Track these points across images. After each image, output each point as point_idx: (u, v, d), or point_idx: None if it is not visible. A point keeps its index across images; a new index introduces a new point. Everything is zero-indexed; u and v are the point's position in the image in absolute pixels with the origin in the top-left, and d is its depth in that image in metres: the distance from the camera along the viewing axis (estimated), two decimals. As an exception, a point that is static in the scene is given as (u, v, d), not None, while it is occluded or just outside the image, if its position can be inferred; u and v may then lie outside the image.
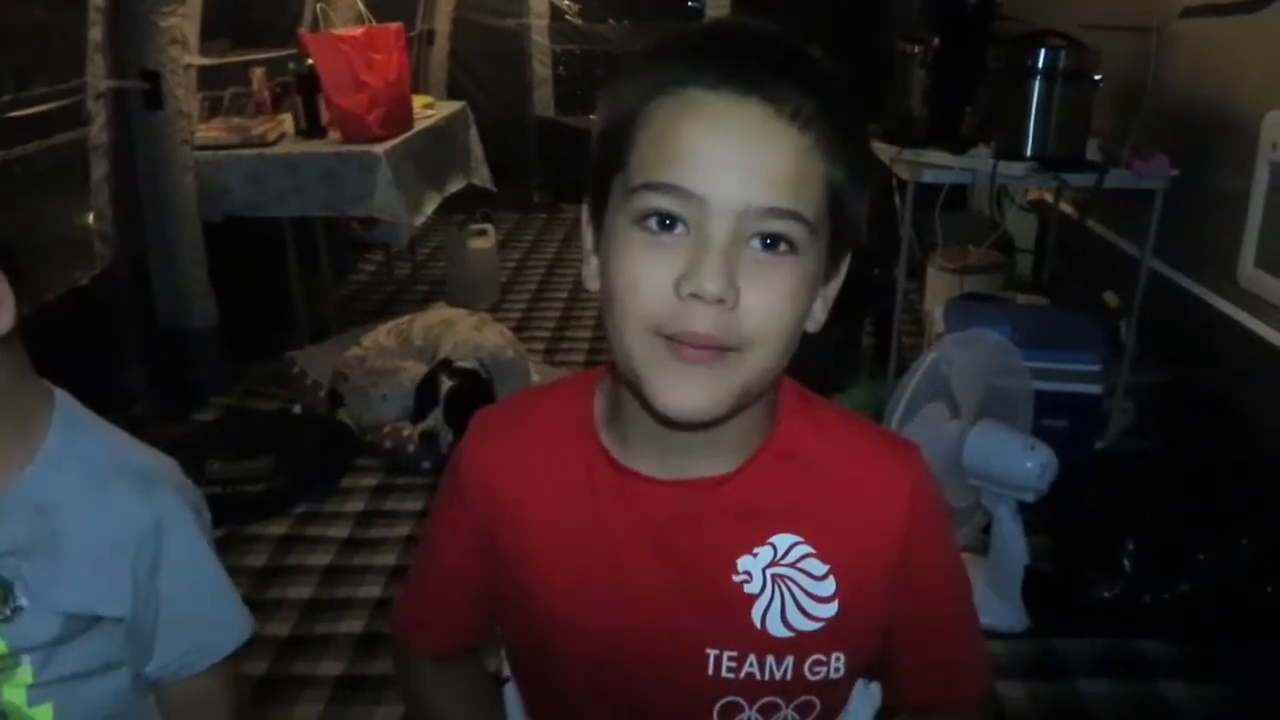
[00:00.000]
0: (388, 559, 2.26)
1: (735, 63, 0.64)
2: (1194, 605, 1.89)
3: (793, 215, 0.64)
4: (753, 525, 0.74)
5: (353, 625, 2.03)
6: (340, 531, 2.38)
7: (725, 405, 0.66)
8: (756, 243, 0.64)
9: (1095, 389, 2.40)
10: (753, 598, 0.74)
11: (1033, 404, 2.07)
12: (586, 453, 0.76)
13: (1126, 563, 1.94)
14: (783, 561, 0.74)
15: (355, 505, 2.50)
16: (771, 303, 0.64)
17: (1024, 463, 1.88)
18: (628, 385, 0.70)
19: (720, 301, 0.62)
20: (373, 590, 2.14)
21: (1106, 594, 1.95)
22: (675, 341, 0.64)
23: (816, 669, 0.75)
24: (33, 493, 0.84)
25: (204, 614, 0.91)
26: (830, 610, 0.74)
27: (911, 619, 0.79)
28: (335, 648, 1.96)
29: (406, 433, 2.67)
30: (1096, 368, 2.39)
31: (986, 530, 2.03)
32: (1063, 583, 2.02)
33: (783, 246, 0.64)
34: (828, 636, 0.75)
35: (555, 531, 0.76)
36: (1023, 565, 1.97)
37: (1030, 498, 1.92)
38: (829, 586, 0.74)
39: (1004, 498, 1.95)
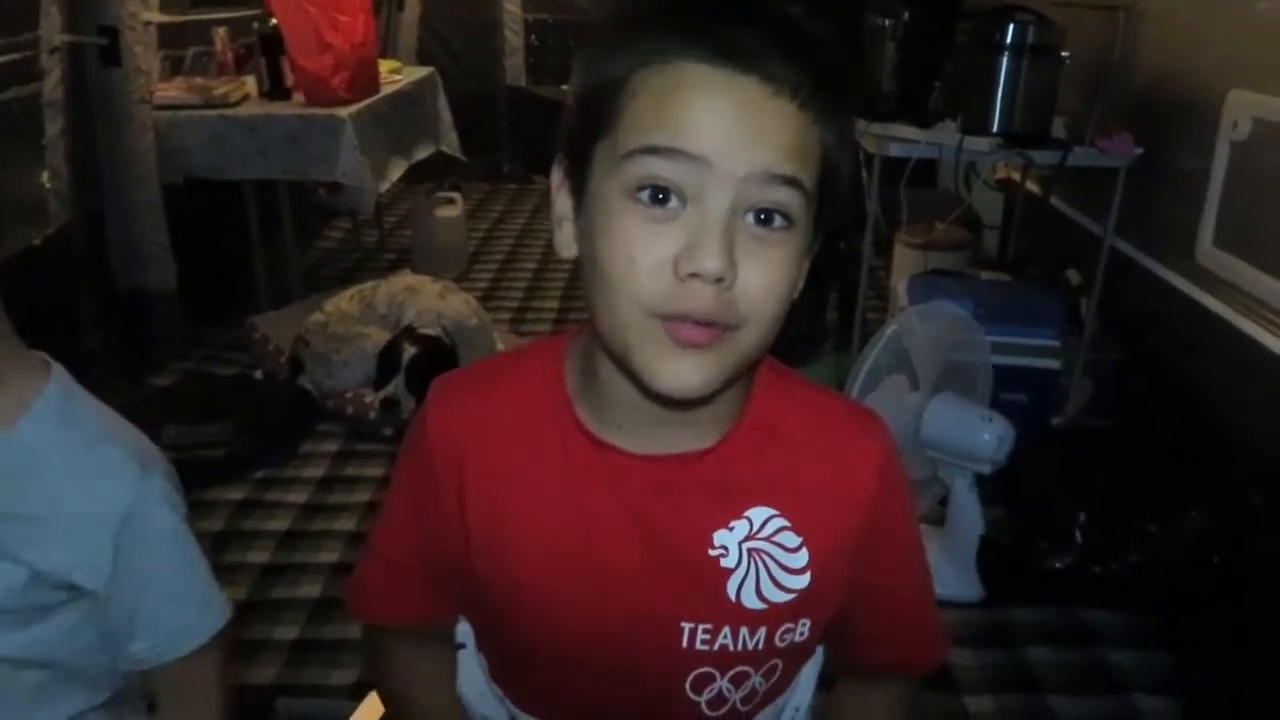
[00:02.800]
0: (347, 524, 2.25)
1: (731, 36, 0.61)
2: (1142, 576, 1.92)
3: (795, 182, 0.62)
4: (729, 499, 0.74)
5: (310, 590, 2.02)
6: (299, 497, 2.36)
7: (718, 383, 0.66)
8: (751, 218, 0.63)
9: (1054, 364, 2.43)
10: (729, 572, 0.74)
11: (992, 378, 2.09)
12: (560, 425, 0.75)
13: (1078, 534, 1.97)
14: (759, 535, 0.74)
15: (315, 471, 2.49)
16: (767, 282, 0.63)
17: (981, 435, 1.90)
18: (612, 359, 0.69)
19: (719, 280, 0.61)
20: (331, 555, 2.13)
21: (1058, 564, 1.98)
22: (672, 323, 0.63)
23: (785, 636, 0.76)
24: (17, 451, 0.83)
25: (187, 594, 0.91)
26: (803, 581, 0.75)
27: (876, 585, 0.80)
28: (292, 612, 1.95)
29: (368, 399, 2.65)
30: (1055, 343, 2.41)
31: (943, 502, 2.05)
32: (1016, 553, 2.05)
33: (778, 221, 0.63)
34: (798, 606, 0.75)
35: (529, 504, 0.75)
36: (978, 536, 1.99)
37: (987, 470, 1.94)
38: (802, 558, 0.75)
39: (961, 470, 1.97)
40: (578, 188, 0.68)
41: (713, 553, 0.73)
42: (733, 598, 0.74)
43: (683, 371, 0.64)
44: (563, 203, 0.70)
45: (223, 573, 2.01)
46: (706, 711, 0.78)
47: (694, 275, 0.61)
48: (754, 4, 0.65)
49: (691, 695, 0.77)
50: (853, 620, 0.81)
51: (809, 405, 0.79)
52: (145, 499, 0.87)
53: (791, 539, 0.74)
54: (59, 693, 0.89)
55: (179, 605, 0.90)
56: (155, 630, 0.88)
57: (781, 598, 0.75)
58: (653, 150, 0.61)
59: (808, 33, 0.65)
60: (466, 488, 0.76)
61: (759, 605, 0.74)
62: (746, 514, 0.74)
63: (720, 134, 0.61)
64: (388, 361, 2.64)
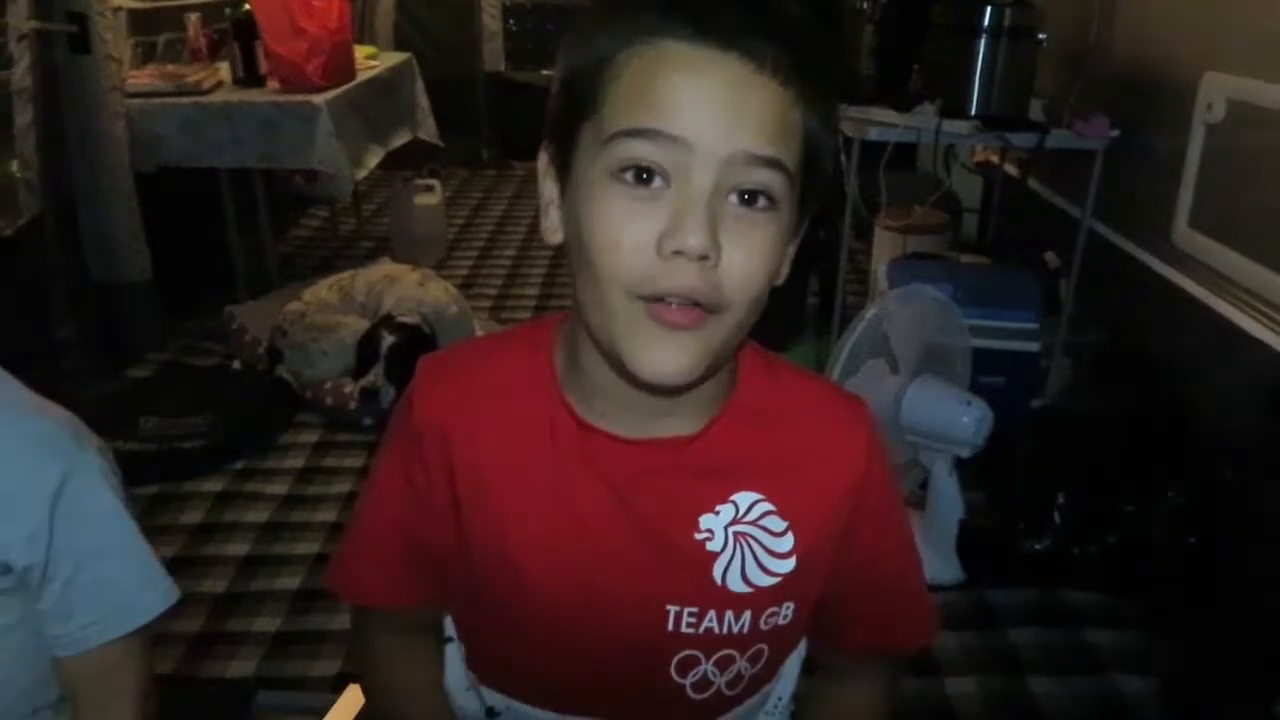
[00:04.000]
0: (327, 515, 2.24)
1: (712, 15, 0.62)
2: (1120, 556, 1.94)
3: (777, 164, 0.63)
4: (715, 483, 0.74)
5: (289, 581, 2.01)
6: (279, 488, 2.35)
7: (702, 369, 0.66)
8: (734, 198, 0.63)
9: (1032, 346, 2.44)
10: (715, 555, 0.74)
11: (971, 361, 2.10)
12: (548, 408, 0.75)
13: (1056, 515, 1.98)
14: (744, 519, 0.74)
15: (295, 462, 2.47)
16: (751, 262, 0.64)
17: (960, 418, 1.91)
18: (597, 345, 0.69)
19: (703, 259, 0.61)
20: (311, 546, 2.12)
21: (1037, 546, 1.99)
22: (656, 305, 0.63)
23: (769, 620, 0.77)
24: None
25: (126, 574, 0.89)
26: (788, 566, 0.75)
27: (862, 567, 0.80)
28: (272, 604, 1.94)
29: (348, 389, 2.63)
30: (1033, 325, 2.43)
31: (924, 485, 2.06)
32: (995, 536, 2.06)
33: (761, 201, 0.63)
34: (783, 589, 0.76)
35: (516, 487, 0.75)
36: (958, 519, 2.00)
37: (966, 453, 1.94)
38: (787, 542, 0.75)
39: (941, 453, 1.98)
40: (563, 171, 0.68)
41: (699, 536, 0.74)
42: (718, 581, 0.74)
43: (667, 357, 0.64)
44: (549, 187, 0.70)
45: (202, 565, 2.03)
46: (691, 695, 0.78)
47: (678, 253, 0.61)
48: None
49: (676, 678, 0.77)
50: (841, 601, 0.82)
51: (794, 390, 0.79)
52: (79, 471, 0.85)
53: (777, 523, 0.75)
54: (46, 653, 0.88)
55: (118, 583, 0.88)
56: (92, 608, 0.86)
57: (767, 581, 0.75)
58: (635, 133, 0.62)
59: (788, 14, 0.65)
60: (455, 467, 0.76)
61: (744, 589, 0.75)
62: (732, 498, 0.74)
63: (702, 115, 0.61)
64: (367, 350, 2.63)
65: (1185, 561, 1.86)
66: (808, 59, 0.64)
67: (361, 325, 2.73)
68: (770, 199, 0.64)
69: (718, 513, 0.74)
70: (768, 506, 0.75)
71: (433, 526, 0.78)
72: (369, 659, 0.90)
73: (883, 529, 0.81)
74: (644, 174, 0.62)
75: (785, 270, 0.70)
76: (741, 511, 0.74)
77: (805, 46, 0.64)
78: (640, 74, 0.62)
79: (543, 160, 0.70)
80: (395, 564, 0.83)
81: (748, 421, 0.75)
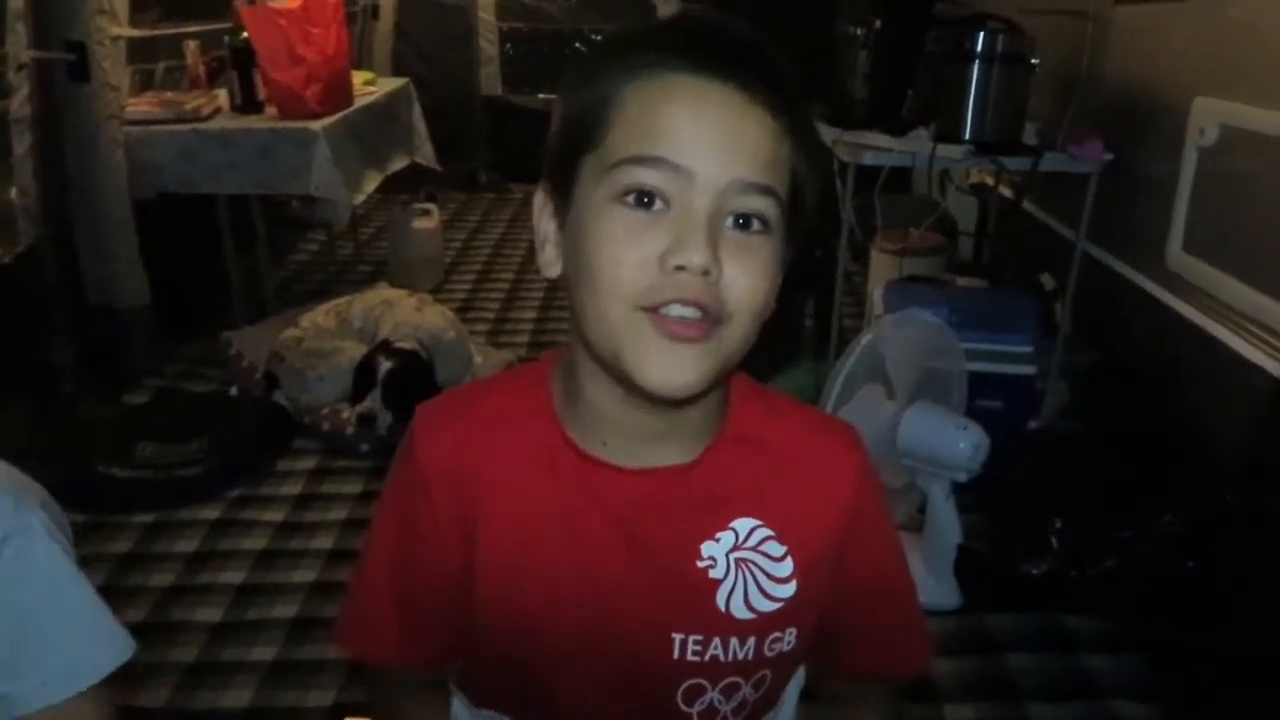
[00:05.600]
0: (324, 543, 2.23)
1: (712, 49, 0.66)
2: (1118, 581, 1.93)
3: (770, 191, 0.66)
4: (715, 511, 0.75)
5: (286, 610, 1.99)
6: (275, 515, 2.34)
7: (707, 381, 0.67)
8: (730, 222, 0.66)
9: (1029, 370, 2.44)
10: (717, 582, 0.75)
11: (967, 385, 2.10)
12: (548, 441, 0.75)
13: (1054, 540, 1.98)
14: (745, 545, 0.75)
15: (291, 489, 2.46)
16: (751, 277, 0.66)
17: (957, 443, 1.91)
18: (601, 366, 0.70)
19: (706, 274, 0.64)
20: (308, 574, 2.11)
21: (1035, 571, 1.99)
22: (661, 318, 0.65)
23: (773, 646, 0.77)
24: None
25: (74, 632, 0.86)
26: (789, 590, 0.76)
27: (857, 592, 0.81)
28: (267, 632, 1.93)
29: (345, 414, 2.63)
30: (1029, 349, 2.43)
31: (922, 510, 2.06)
32: (994, 560, 2.05)
33: (755, 225, 0.66)
34: (784, 615, 0.76)
35: (520, 521, 0.75)
36: (956, 544, 2.00)
37: (963, 477, 1.94)
38: (787, 567, 0.76)
39: (938, 477, 1.98)
40: (562, 204, 0.70)
41: (701, 564, 0.75)
42: (722, 608, 0.75)
43: (673, 367, 0.65)
44: (546, 224, 0.72)
45: (197, 593, 2.03)
46: None
47: (680, 268, 0.63)
48: (731, 26, 0.69)
49: (684, 707, 0.78)
50: (836, 627, 0.82)
51: (786, 418, 0.80)
52: (19, 532, 0.83)
53: (776, 548, 0.76)
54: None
55: (66, 644, 0.85)
56: (41, 668, 0.84)
57: (769, 607, 0.76)
58: (640, 160, 0.64)
59: (775, 55, 0.69)
60: (462, 506, 0.76)
61: (748, 615, 0.76)
62: (732, 525, 0.75)
63: (702, 145, 0.64)
64: (364, 376, 2.63)
65: (1184, 586, 1.86)
66: (793, 97, 0.68)
67: (359, 351, 2.73)
68: (764, 223, 0.66)
69: (718, 540, 0.75)
70: (767, 532, 0.76)
71: (445, 573, 0.77)
72: (389, 714, 0.90)
73: (876, 553, 0.83)
74: (645, 198, 0.65)
75: (772, 302, 0.71)
76: (742, 538, 0.75)
77: (790, 85, 0.68)
78: (643, 104, 0.65)
79: (539, 199, 0.73)
80: (412, 616, 0.81)
81: (742, 448, 0.76)
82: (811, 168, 0.70)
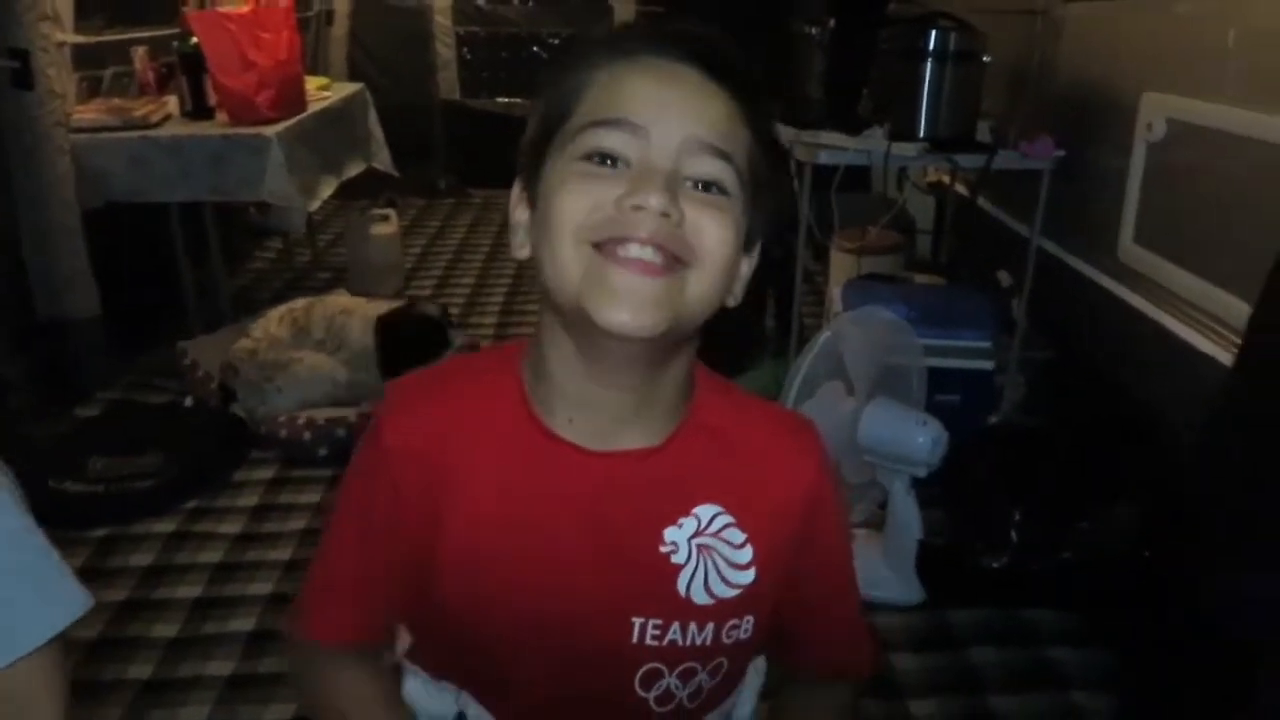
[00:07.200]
0: (282, 554, 2.20)
1: (675, 38, 0.70)
2: (1076, 572, 1.95)
3: (727, 157, 0.68)
4: (677, 496, 0.76)
5: (243, 623, 1.96)
6: (232, 528, 2.30)
7: (665, 324, 0.67)
8: (691, 186, 0.67)
9: (987, 365, 2.46)
10: (679, 567, 0.76)
11: (926, 381, 2.11)
12: (514, 420, 0.76)
13: (1013, 533, 1.99)
14: (706, 531, 0.76)
15: (248, 500, 2.42)
16: (717, 225, 0.67)
17: (916, 438, 1.92)
18: (564, 323, 0.70)
19: (665, 216, 0.65)
20: (264, 587, 2.07)
21: (995, 564, 2.00)
22: (618, 258, 0.65)
23: (731, 633, 0.78)
24: None
25: (34, 585, 0.84)
26: (748, 577, 0.77)
27: (813, 587, 0.83)
28: (224, 646, 1.90)
29: (301, 421, 2.59)
30: (987, 344, 2.45)
31: (883, 507, 2.07)
32: (954, 555, 2.06)
33: (715, 190, 0.68)
34: (743, 602, 0.77)
35: (484, 500, 0.75)
36: (917, 539, 2.00)
37: (923, 473, 1.95)
38: (747, 554, 0.77)
39: (899, 473, 1.98)
40: (533, 187, 0.72)
41: (663, 549, 0.75)
42: (683, 593, 0.76)
43: (630, 306, 0.65)
44: (520, 212, 0.74)
45: (152, 609, 1.99)
46: (655, 708, 0.79)
47: (638, 208, 0.65)
48: (695, 27, 0.72)
49: (640, 691, 0.78)
50: (787, 623, 0.84)
51: (747, 411, 0.82)
52: None
53: (737, 535, 0.77)
54: None
55: (28, 599, 0.83)
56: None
57: (728, 593, 0.77)
58: (600, 123, 0.67)
59: (734, 50, 0.71)
60: (429, 482, 0.76)
61: (707, 600, 0.76)
62: (694, 511, 0.76)
63: (660, 105, 0.67)
64: (391, 339, 2.69)
65: (1141, 576, 1.87)
66: (752, 90, 0.71)
67: (318, 360, 2.70)
68: (723, 191, 0.68)
69: (680, 525, 0.76)
70: (728, 519, 0.77)
71: (401, 550, 0.77)
72: (325, 696, 0.87)
73: (828, 549, 0.84)
74: (608, 160, 0.67)
75: (739, 291, 0.73)
76: (703, 524, 0.76)
77: (749, 80, 0.71)
78: (608, 81, 0.69)
79: (515, 190, 0.74)
80: (372, 598, 0.82)
81: (706, 436, 0.77)
82: (768, 159, 0.72)
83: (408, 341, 2.72)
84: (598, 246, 0.66)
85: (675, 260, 0.66)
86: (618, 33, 0.73)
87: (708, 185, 0.67)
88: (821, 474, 0.80)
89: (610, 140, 0.66)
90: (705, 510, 0.76)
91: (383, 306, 2.92)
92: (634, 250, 0.65)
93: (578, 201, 0.66)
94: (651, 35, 0.71)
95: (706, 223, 0.67)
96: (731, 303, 0.72)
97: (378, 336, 2.71)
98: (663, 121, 0.67)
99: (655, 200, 0.64)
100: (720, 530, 0.76)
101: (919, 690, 1.81)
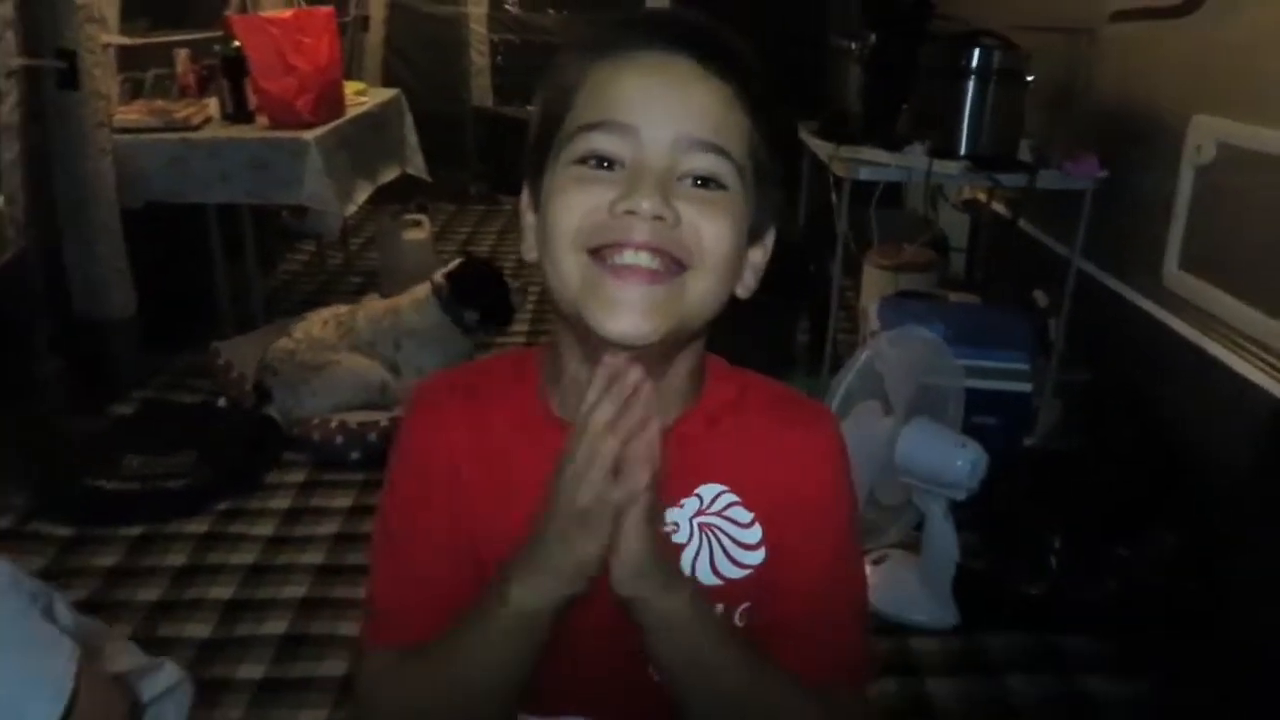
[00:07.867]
0: (314, 558, 2.20)
1: (665, 26, 0.70)
2: (1116, 601, 1.92)
3: (721, 151, 0.67)
4: (680, 478, 0.75)
5: (275, 626, 1.96)
6: (264, 529, 2.30)
7: (665, 330, 0.67)
8: (688, 183, 0.67)
9: (1025, 387, 2.43)
10: (681, 547, 0.76)
11: (964, 402, 2.09)
12: (533, 414, 0.77)
13: (1052, 560, 1.97)
14: (709, 510, 0.76)
15: (281, 502, 2.43)
16: (714, 224, 0.67)
17: (955, 460, 1.89)
18: (565, 321, 0.71)
19: (658, 219, 0.65)
20: (297, 590, 2.08)
21: (1033, 591, 1.97)
22: (614, 266, 0.66)
23: (744, 616, 0.77)
24: None
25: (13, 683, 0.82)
26: (758, 557, 0.76)
27: (809, 585, 0.79)
28: (256, 650, 1.90)
29: (334, 424, 2.60)
30: (1025, 366, 2.42)
31: (919, 528, 2.04)
32: (991, 580, 2.04)
33: (713, 185, 0.68)
34: (755, 584, 0.76)
35: (498, 488, 0.76)
36: (954, 563, 1.98)
37: (961, 496, 1.93)
38: (755, 534, 0.76)
39: (936, 495, 1.96)
40: (537, 191, 0.72)
41: (664, 529, 0.74)
42: (688, 573, 0.75)
43: (629, 315, 0.66)
44: (529, 216, 0.75)
45: (185, 609, 1.99)
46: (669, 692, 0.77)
47: (630, 213, 0.65)
48: (686, 13, 0.73)
49: (654, 674, 0.76)
50: (779, 623, 0.78)
51: (762, 394, 0.81)
52: None
53: (743, 514, 0.76)
54: None
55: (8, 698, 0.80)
56: None
57: (737, 574, 0.76)
58: (591, 125, 0.67)
59: (727, 32, 0.71)
60: (453, 480, 0.77)
61: (714, 580, 0.76)
62: (696, 491, 0.76)
63: (648, 105, 0.67)
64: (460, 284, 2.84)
65: (1183, 605, 1.85)
66: (746, 68, 0.70)
67: (357, 363, 2.71)
68: (721, 185, 0.68)
69: (682, 505, 0.76)
70: (733, 498, 0.76)
71: (460, 544, 0.78)
72: (432, 658, 0.80)
73: (843, 535, 0.80)
74: (603, 163, 0.67)
75: (752, 282, 0.74)
76: (706, 503, 0.76)
77: (743, 58, 0.70)
78: (601, 80, 0.69)
79: (524, 194, 0.75)
80: (445, 598, 0.77)
81: (715, 420, 0.77)
82: (771, 141, 0.72)
83: (480, 281, 2.91)
84: (594, 253, 0.67)
85: (674, 263, 0.66)
86: (610, 26, 0.72)
87: (705, 181, 0.68)
88: (839, 462, 0.79)
89: (602, 143, 0.67)
90: (708, 489, 0.76)
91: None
92: (629, 256, 0.66)
93: (573, 207, 0.67)
94: (641, 27, 0.70)
95: (704, 222, 0.67)
96: (742, 293, 0.73)
97: (449, 283, 2.84)
98: (653, 119, 0.66)
99: (647, 204, 0.64)
100: (725, 509, 0.76)
101: (952, 714, 1.79)
